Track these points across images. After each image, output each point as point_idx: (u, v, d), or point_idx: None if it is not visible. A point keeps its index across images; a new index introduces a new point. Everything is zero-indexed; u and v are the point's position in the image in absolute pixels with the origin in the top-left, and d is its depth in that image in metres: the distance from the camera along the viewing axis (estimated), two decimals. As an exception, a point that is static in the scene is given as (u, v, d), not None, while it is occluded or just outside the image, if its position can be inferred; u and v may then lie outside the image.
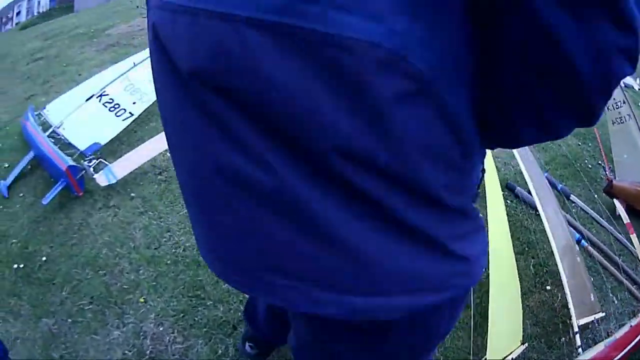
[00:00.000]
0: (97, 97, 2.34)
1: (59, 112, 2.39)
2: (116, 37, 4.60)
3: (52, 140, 2.11)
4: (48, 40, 5.14)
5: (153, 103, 2.36)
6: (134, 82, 2.44)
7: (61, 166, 1.84)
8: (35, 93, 3.41)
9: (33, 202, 2.05)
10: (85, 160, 1.97)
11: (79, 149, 2.11)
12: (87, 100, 2.32)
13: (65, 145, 2.15)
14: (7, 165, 2.39)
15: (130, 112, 2.29)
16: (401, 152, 0.40)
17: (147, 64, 2.58)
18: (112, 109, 2.30)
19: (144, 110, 2.35)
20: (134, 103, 2.31)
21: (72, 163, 1.87)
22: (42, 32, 5.88)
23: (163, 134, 2.11)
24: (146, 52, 2.66)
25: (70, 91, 2.70)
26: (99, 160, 2.02)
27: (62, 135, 2.20)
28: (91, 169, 1.93)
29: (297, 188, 0.42)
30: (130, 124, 2.29)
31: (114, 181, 1.90)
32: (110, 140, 2.20)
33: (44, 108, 2.48)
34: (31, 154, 2.23)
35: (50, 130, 2.23)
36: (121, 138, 2.32)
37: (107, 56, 4.01)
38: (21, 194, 2.13)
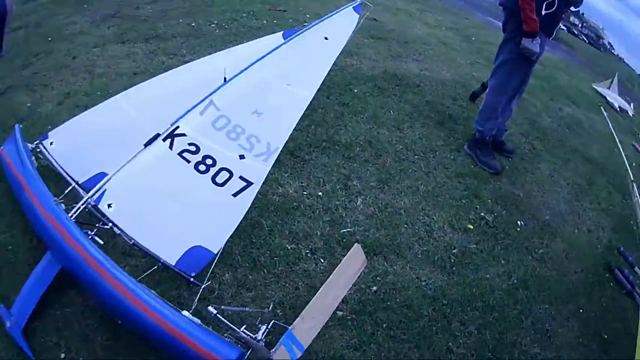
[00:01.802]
0: (164, 139, 1.17)
1: (77, 155, 1.21)
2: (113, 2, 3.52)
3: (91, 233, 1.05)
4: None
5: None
6: (227, 114, 1.22)
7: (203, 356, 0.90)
8: (13, 85, 2.24)
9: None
10: (256, 332, 0.99)
11: (175, 268, 1.07)
12: (146, 145, 1.17)
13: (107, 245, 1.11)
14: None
15: (242, 178, 1.13)
16: None
17: (241, 81, 1.36)
18: (202, 167, 1.12)
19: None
20: (241, 157, 1.15)
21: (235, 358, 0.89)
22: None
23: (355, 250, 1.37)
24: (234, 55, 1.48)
25: (90, 110, 1.36)
26: (272, 323, 1.05)
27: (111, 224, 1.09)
28: (262, 339, 0.99)
29: None
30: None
31: (299, 355, 1.02)
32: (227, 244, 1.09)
33: (45, 137, 1.24)
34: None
35: (81, 206, 1.07)
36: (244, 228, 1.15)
37: (107, 32, 3.00)
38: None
